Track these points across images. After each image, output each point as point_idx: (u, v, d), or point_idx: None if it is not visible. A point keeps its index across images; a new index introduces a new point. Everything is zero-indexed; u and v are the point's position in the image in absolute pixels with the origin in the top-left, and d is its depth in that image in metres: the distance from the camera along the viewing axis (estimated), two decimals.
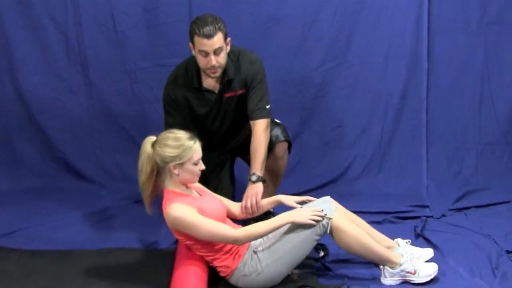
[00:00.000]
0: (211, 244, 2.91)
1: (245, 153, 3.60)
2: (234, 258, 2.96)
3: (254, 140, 3.40)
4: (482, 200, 4.13)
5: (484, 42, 4.41)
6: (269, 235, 2.97)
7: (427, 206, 4.05)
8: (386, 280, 3.04)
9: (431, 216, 3.94)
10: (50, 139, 4.59)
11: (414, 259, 3.07)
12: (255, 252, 2.96)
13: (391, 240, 3.23)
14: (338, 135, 4.52)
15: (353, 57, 4.43)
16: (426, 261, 3.14)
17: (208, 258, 2.97)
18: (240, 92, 3.47)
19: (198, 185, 3.12)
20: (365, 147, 4.51)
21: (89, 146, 4.59)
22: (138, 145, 4.63)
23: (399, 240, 3.26)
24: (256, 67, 3.45)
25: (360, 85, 4.46)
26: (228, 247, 2.94)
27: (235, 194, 3.76)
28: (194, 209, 2.84)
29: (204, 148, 3.37)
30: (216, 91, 3.45)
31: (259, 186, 3.30)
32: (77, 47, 4.46)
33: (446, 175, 4.43)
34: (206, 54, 3.22)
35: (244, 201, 3.25)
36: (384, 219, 3.89)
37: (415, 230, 3.70)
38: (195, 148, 2.88)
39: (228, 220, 3.13)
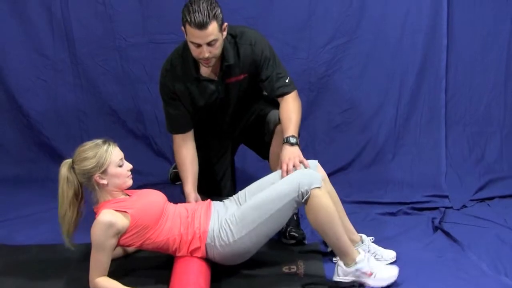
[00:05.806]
0: (156, 242, 2.93)
1: (248, 139, 3.62)
2: (193, 239, 2.93)
3: (284, 110, 3.31)
4: (507, 189, 4.05)
5: (510, 14, 4.26)
6: (244, 204, 2.98)
7: (446, 196, 3.97)
8: (338, 279, 2.96)
9: (451, 207, 3.86)
10: (33, 122, 4.47)
11: (372, 259, 2.99)
12: (226, 223, 2.91)
13: (356, 234, 3.18)
14: (348, 118, 4.41)
15: (365, 32, 4.31)
16: (388, 264, 3.08)
17: (170, 252, 2.99)
18: (242, 77, 3.36)
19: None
20: (378, 131, 4.40)
21: (75, 130, 4.48)
22: (128, 129, 4.60)
23: (363, 236, 3.20)
24: (258, 48, 3.29)
25: (373, 63, 4.36)
26: (176, 240, 2.93)
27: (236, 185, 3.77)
28: (116, 227, 2.82)
29: (205, 135, 3.54)
30: (217, 78, 3.33)
31: (297, 149, 3.14)
32: (61, 20, 4.34)
33: (467, 162, 4.32)
34: (199, 45, 3.07)
35: (284, 165, 3.07)
36: (398, 210, 3.82)
37: (433, 222, 3.63)
38: (111, 149, 2.90)
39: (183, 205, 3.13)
